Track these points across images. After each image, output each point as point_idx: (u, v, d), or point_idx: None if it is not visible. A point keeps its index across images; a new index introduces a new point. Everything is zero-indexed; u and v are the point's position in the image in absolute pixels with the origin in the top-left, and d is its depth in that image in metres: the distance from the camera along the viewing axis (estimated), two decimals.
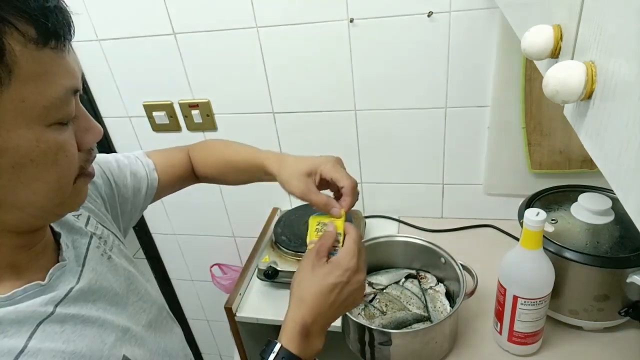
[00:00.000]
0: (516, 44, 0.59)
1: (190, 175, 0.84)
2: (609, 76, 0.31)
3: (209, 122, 1.26)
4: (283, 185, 0.71)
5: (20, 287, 0.44)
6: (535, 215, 0.72)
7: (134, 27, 1.15)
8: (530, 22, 0.45)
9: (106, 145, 1.37)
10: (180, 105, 1.25)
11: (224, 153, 0.82)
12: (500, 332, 0.87)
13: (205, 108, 1.24)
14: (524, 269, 0.78)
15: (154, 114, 1.28)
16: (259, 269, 1.10)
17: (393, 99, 1.12)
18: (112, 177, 0.70)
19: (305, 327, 0.56)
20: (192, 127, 1.28)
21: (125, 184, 0.72)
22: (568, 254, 0.80)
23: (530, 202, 0.93)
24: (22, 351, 0.41)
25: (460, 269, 0.90)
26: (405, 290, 0.99)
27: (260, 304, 1.08)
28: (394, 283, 1.01)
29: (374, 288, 1.00)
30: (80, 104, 0.45)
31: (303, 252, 1.11)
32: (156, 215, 1.50)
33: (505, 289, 0.81)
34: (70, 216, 0.56)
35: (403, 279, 1.02)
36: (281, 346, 0.54)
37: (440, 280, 1.01)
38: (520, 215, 0.87)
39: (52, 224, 0.53)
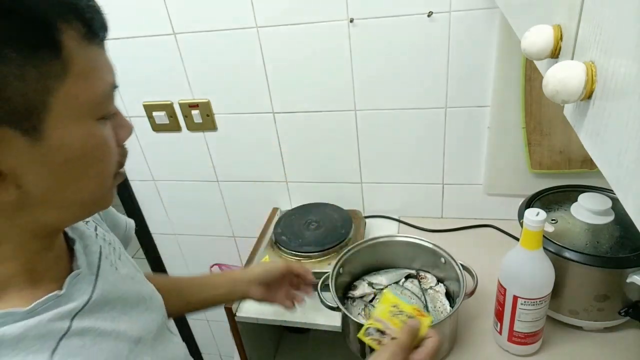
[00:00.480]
0: (516, 44, 0.59)
1: None
2: (609, 76, 0.31)
3: (209, 122, 1.26)
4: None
5: (38, 296, 0.43)
6: (535, 215, 0.72)
7: (134, 27, 1.15)
8: (530, 22, 0.45)
9: None
10: (180, 105, 1.25)
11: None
12: (500, 332, 0.87)
13: (205, 108, 1.24)
14: (524, 269, 0.78)
15: (154, 114, 1.28)
16: None
17: (393, 99, 1.12)
18: None
19: None
20: (192, 127, 1.28)
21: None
22: (568, 254, 0.80)
23: (530, 202, 0.93)
24: None
25: (460, 269, 0.90)
26: (405, 290, 0.99)
27: (260, 304, 1.08)
28: (394, 283, 1.01)
29: (373, 288, 1.00)
30: None
31: (303, 252, 1.12)
32: (156, 215, 1.50)
33: (505, 289, 0.81)
34: (81, 223, 0.55)
35: (403, 279, 1.02)
36: None
37: (440, 281, 1.01)
38: (520, 215, 0.87)
39: (66, 230, 0.52)
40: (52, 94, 0.37)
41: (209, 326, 1.81)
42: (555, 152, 1.08)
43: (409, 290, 0.99)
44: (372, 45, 1.06)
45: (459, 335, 0.92)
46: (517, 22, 0.60)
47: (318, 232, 1.17)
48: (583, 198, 0.86)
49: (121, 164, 0.47)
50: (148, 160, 1.39)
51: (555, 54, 0.40)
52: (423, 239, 0.99)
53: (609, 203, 0.84)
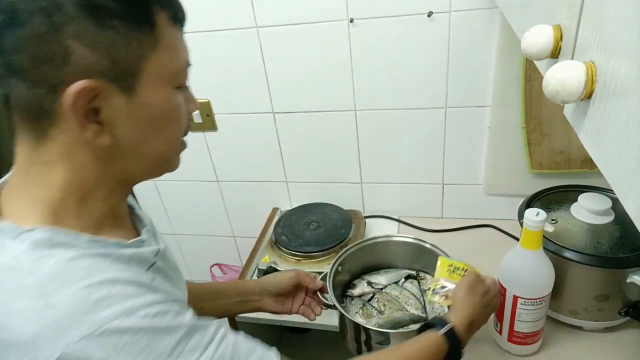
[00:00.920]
0: (516, 44, 0.59)
1: None
2: (609, 76, 0.31)
3: (209, 122, 1.26)
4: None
5: (127, 238, 0.52)
6: (535, 215, 0.72)
7: None
8: (530, 22, 0.45)
9: None
10: None
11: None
12: (500, 332, 0.87)
13: (205, 108, 1.24)
14: (524, 269, 0.78)
15: None
16: (258, 269, 1.10)
17: (393, 99, 1.12)
18: None
19: (469, 324, 0.71)
20: (192, 127, 1.27)
21: None
22: (568, 254, 0.80)
23: (530, 202, 0.93)
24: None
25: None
26: (405, 290, 0.98)
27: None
28: (393, 283, 1.01)
29: (373, 287, 1.00)
30: None
31: (302, 252, 1.12)
32: (156, 215, 1.50)
33: (505, 289, 0.81)
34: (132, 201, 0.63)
35: (403, 280, 1.02)
36: (455, 325, 0.69)
37: None
38: (520, 215, 0.87)
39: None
40: (146, 60, 0.46)
41: None
42: (555, 152, 1.08)
43: (408, 290, 0.98)
44: (372, 45, 1.06)
45: None
46: (517, 22, 0.60)
47: (318, 232, 1.17)
48: (583, 198, 0.86)
49: (186, 131, 0.56)
50: None
51: (555, 54, 0.40)
52: (423, 239, 0.99)
53: (609, 203, 0.84)
